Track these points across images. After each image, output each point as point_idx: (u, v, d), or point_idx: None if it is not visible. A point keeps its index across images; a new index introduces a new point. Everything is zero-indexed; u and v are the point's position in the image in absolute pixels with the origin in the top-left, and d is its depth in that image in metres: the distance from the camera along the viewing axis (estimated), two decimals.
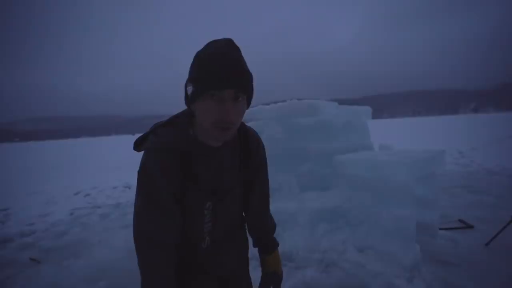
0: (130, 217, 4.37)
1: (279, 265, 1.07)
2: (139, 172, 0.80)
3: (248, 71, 0.75)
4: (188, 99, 0.76)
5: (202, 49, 0.75)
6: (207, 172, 0.85)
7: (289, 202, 3.05)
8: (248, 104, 0.80)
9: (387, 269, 2.27)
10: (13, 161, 18.06)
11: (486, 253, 2.59)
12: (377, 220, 2.57)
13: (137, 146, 0.84)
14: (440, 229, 3.01)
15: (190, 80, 0.74)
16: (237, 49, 0.74)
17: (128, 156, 14.45)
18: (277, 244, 1.09)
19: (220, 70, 0.69)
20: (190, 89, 0.74)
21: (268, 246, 1.07)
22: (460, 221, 3.29)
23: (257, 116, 3.85)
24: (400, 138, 15.10)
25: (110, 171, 9.79)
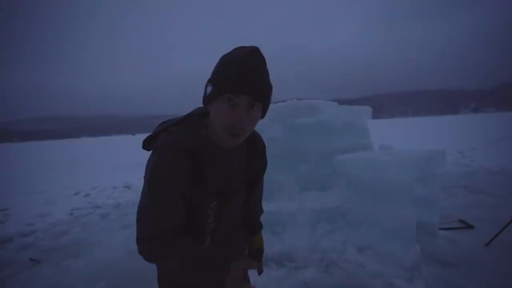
0: (130, 217, 4.37)
1: (262, 243, 1.20)
2: (149, 172, 0.77)
3: (268, 82, 0.76)
4: (206, 98, 0.77)
5: (229, 53, 0.76)
6: (216, 172, 0.85)
7: (289, 202, 3.04)
8: (263, 115, 0.81)
9: (387, 269, 2.27)
10: (13, 161, 18.06)
11: (486, 253, 2.59)
12: (377, 220, 2.57)
13: (147, 144, 0.83)
14: (440, 229, 3.00)
15: (210, 80, 0.76)
16: (261, 58, 0.75)
17: (128, 156, 14.45)
18: (262, 226, 1.20)
19: (238, 75, 0.70)
20: (209, 89, 0.75)
21: (255, 228, 1.17)
22: (460, 221, 3.29)
23: None
24: (400, 138, 15.11)
25: (110, 171, 9.79)
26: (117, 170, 9.82)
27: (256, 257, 1.16)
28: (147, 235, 0.79)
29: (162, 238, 0.79)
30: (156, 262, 0.84)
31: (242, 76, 0.70)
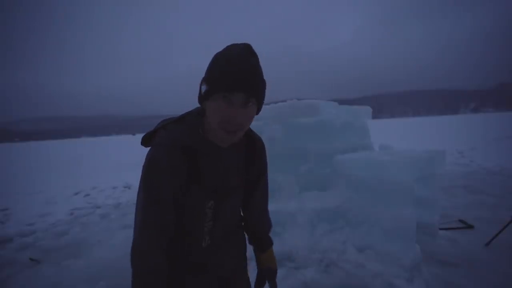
0: (130, 217, 4.37)
1: (273, 261, 1.11)
2: (144, 167, 0.78)
3: (262, 78, 0.77)
4: (201, 97, 0.77)
5: (221, 51, 0.76)
6: (212, 171, 0.85)
7: (289, 202, 3.05)
8: (258, 111, 0.81)
9: (387, 269, 2.27)
10: (13, 161, 18.06)
11: (486, 253, 2.59)
12: (377, 220, 2.57)
13: (146, 141, 0.84)
14: (440, 229, 3.01)
15: (205, 79, 0.75)
16: (255, 55, 0.75)
17: (128, 156, 14.45)
18: (272, 243, 1.12)
19: (232, 72, 0.70)
20: (204, 87, 0.75)
21: (263, 244, 1.10)
22: (460, 221, 3.29)
23: (257, 116, 3.83)
24: (400, 138, 15.12)
25: (110, 171, 9.79)
26: (117, 170, 9.82)
27: (267, 277, 1.09)
28: (137, 243, 0.80)
29: (149, 252, 0.80)
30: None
31: (236, 72, 0.70)
